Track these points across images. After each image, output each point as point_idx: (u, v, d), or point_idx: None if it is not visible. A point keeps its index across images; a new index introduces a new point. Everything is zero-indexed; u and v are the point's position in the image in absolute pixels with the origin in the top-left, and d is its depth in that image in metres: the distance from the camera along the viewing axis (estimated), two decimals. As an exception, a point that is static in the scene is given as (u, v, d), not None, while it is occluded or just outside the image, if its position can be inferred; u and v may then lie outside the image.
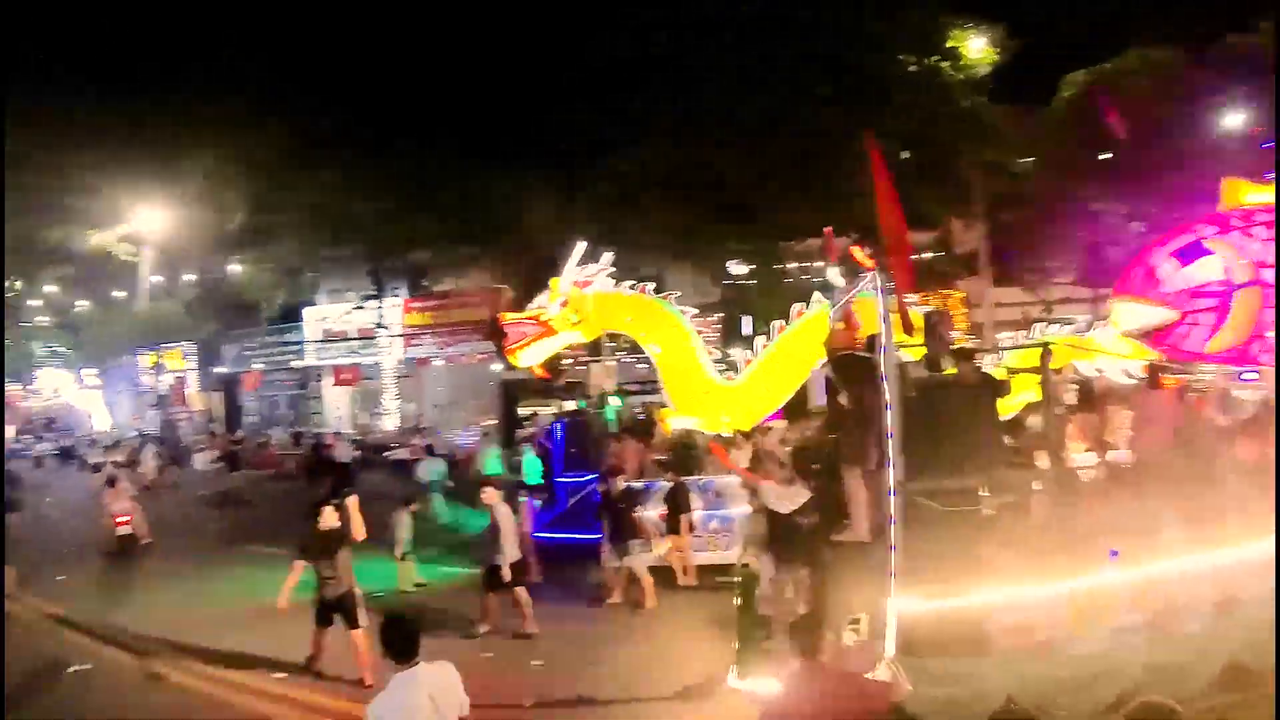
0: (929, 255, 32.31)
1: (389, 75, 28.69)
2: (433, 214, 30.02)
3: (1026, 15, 27.97)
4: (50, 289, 39.47)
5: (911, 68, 28.13)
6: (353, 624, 8.86)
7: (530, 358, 13.14)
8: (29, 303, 41.85)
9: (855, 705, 4.95)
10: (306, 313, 38.88)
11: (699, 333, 13.76)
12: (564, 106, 28.87)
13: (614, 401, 18.03)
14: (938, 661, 6.17)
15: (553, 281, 13.07)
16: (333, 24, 29.43)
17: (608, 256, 13.58)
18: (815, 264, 32.96)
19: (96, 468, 27.52)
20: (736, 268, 33.89)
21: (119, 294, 38.70)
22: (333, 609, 8.99)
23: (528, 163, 29.44)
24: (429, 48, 29.16)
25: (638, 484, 13.10)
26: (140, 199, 31.94)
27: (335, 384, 38.41)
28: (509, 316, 13.55)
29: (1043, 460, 8.75)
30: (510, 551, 10.44)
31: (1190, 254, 8.57)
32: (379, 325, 37.59)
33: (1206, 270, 8.42)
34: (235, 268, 36.39)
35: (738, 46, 27.57)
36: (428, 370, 38.05)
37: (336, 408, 39.36)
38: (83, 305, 40.85)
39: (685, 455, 14.14)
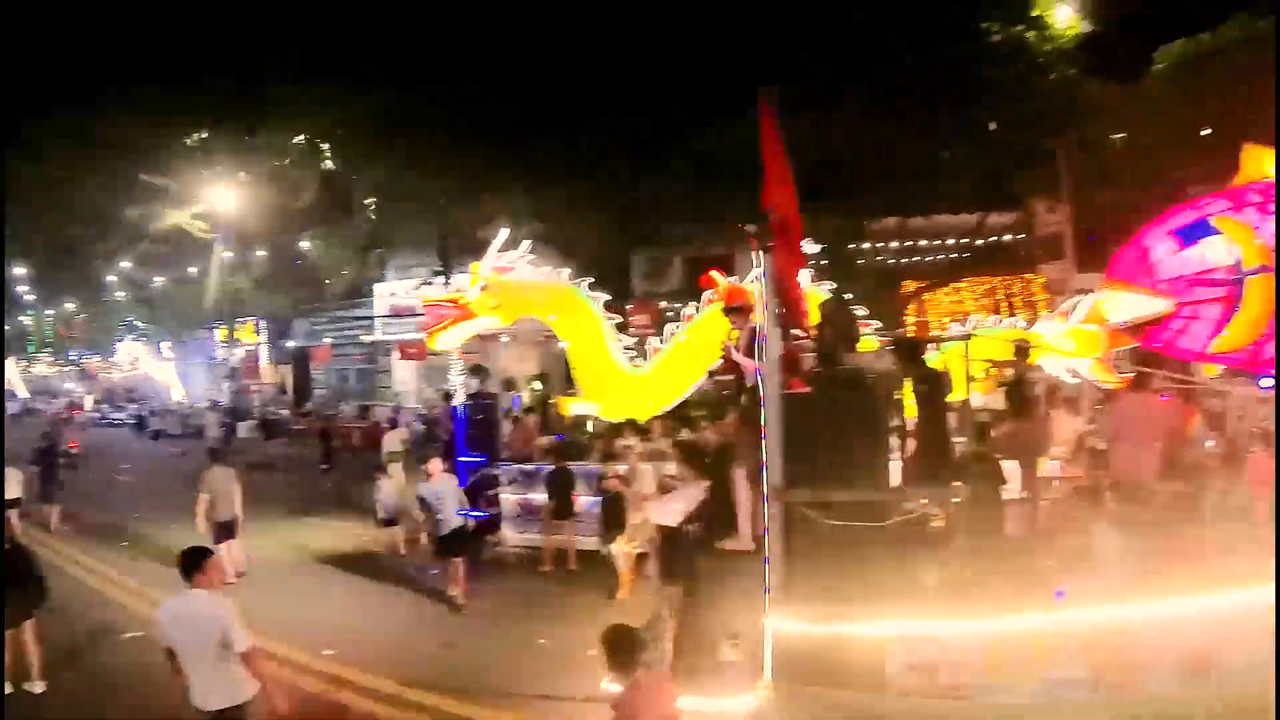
0: (1009, 237, 31.14)
1: (458, 54, 28.20)
2: (501, 191, 29.54)
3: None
4: (127, 265, 40.00)
5: (995, 36, 26.89)
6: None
7: (448, 340, 13.31)
8: (109, 278, 42.70)
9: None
10: (376, 288, 39.01)
11: (609, 319, 14.04)
12: (634, 84, 28.21)
13: (532, 385, 18.66)
14: (838, 693, 5.61)
15: (473, 266, 13.16)
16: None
17: (526, 244, 13.88)
18: (892, 243, 32.17)
19: (156, 435, 28.23)
20: (811, 246, 32.70)
21: (193, 270, 39.08)
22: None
23: (595, 140, 28.86)
24: (496, 25, 28.50)
25: (529, 467, 13.46)
26: (214, 178, 32.00)
27: (402, 358, 38.38)
28: (428, 299, 13.72)
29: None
30: (449, 519, 11.05)
31: (1192, 234, 7.13)
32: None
33: (1211, 253, 7.01)
34: (305, 244, 36.38)
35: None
36: (494, 346, 37.77)
37: (403, 382, 39.35)
38: (160, 281, 41.39)
39: (577, 442, 14.35)
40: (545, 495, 12.72)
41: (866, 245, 32.39)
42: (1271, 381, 10.77)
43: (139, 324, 44.17)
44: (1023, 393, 10.18)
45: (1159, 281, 7.06)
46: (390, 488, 14.03)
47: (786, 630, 5.67)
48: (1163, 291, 7.01)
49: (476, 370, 17.04)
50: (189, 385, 46.66)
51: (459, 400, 16.13)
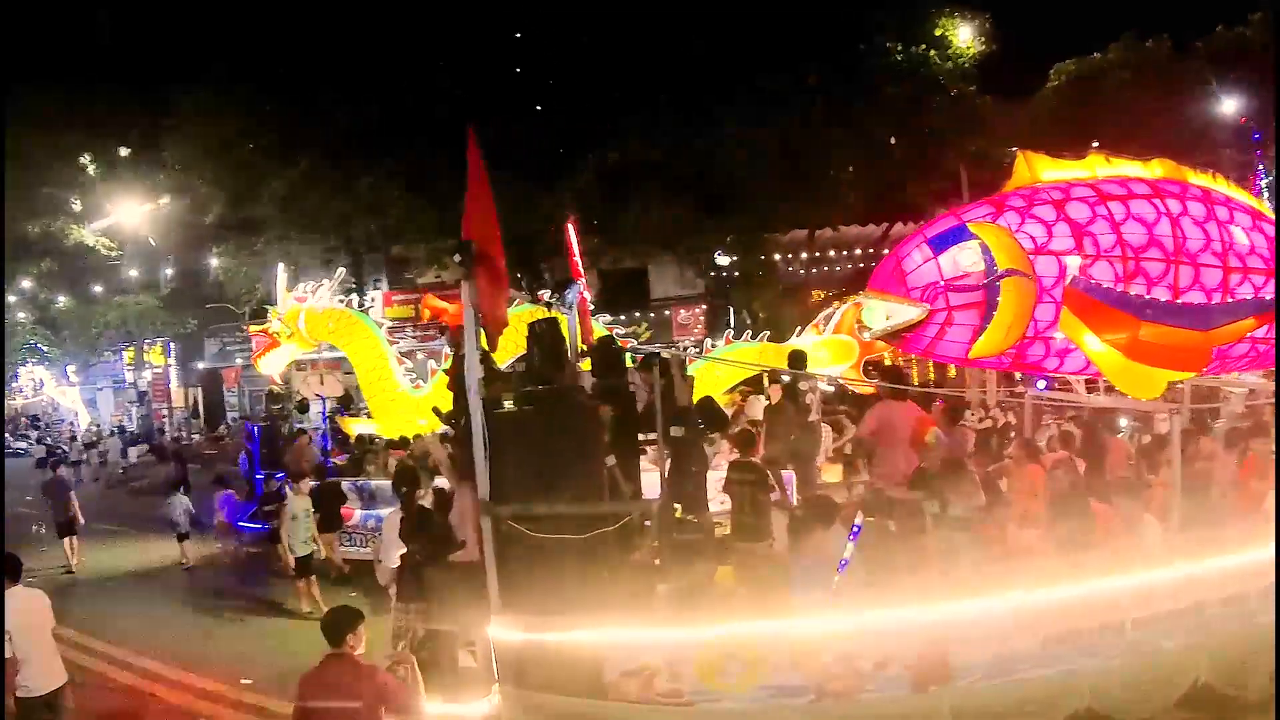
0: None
1: (365, 68, 28.15)
2: (413, 206, 29.50)
3: (1015, 4, 27.98)
4: (27, 285, 38.79)
5: (899, 56, 28.01)
6: None
7: (268, 366, 14.88)
8: (8, 299, 41.33)
9: (368, 695, 5.30)
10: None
11: (392, 343, 15.69)
12: (548, 101, 28.59)
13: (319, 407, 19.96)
14: (560, 700, 5.87)
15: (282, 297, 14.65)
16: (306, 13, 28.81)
17: (340, 272, 16.20)
18: (801, 254, 32.99)
19: (75, 464, 27.84)
20: (721, 259, 33.53)
21: (99, 290, 38.07)
22: None
23: (512, 155, 29.02)
24: (411, 36, 28.63)
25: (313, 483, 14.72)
26: (119, 193, 31.46)
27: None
28: (254, 328, 15.34)
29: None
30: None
31: (946, 240, 7.18)
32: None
33: (963, 259, 7.04)
34: (214, 261, 35.77)
35: (722, 35, 27.37)
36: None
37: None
38: (63, 301, 40.20)
39: (360, 458, 15.37)
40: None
41: (777, 257, 33.24)
42: (1044, 384, 11.50)
43: (42, 347, 42.74)
44: (796, 401, 10.49)
45: (912, 289, 7.12)
46: (179, 505, 15.87)
47: (508, 638, 5.95)
48: (913, 298, 7.08)
49: (271, 395, 19.10)
50: (95, 411, 45.35)
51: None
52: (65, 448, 34.78)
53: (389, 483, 11.67)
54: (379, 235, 33.05)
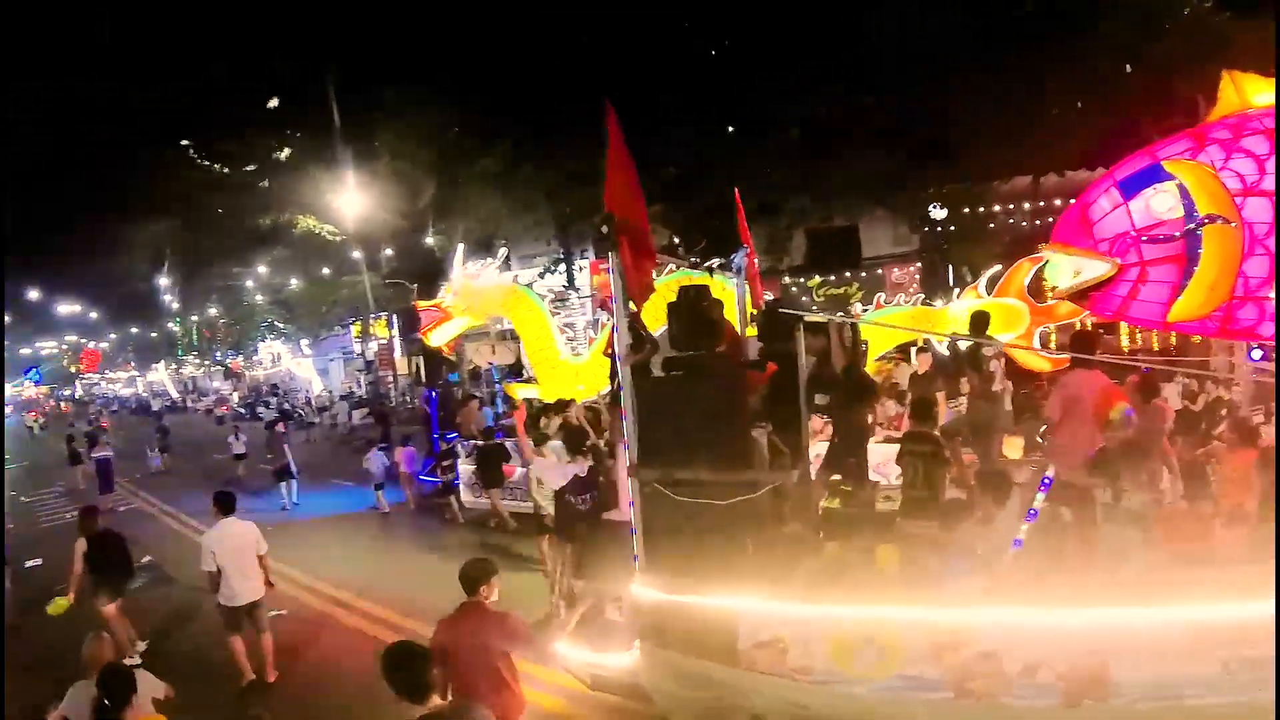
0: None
1: (567, 43, 28.65)
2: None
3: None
4: (263, 270, 42.31)
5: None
6: None
7: (438, 338, 15.72)
8: (248, 284, 45.23)
9: (495, 638, 5.63)
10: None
11: (554, 314, 16.62)
12: (747, 58, 28.14)
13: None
14: (694, 662, 5.98)
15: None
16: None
17: (503, 251, 17.45)
18: (1024, 204, 31.06)
19: (309, 425, 30.45)
20: (937, 213, 32.02)
21: (326, 271, 41.01)
22: None
23: (715, 116, 28.94)
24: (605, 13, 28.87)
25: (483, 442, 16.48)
26: (338, 183, 33.51)
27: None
28: (422, 304, 16.22)
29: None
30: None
31: (1139, 183, 6.02)
32: (568, 287, 38.11)
33: (1156, 204, 5.93)
34: (429, 240, 37.63)
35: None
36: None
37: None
38: (294, 283, 43.62)
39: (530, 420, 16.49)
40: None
41: (997, 208, 31.45)
42: (1260, 353, 9.73)
43: (278, 324, 46.62)
44: (980, 369, 9.87)
45: (1099, 241, 6.08)
46: (377, 460, 18.60)
47: (649, 597, 6.19)
48: (1102, 252, 6.05)
49: (445, 363, 20.09)
50: (328, 379, 49.06)
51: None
52: (302, 411, 38.00)
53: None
54: (580, 208, 33.72)
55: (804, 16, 27.88)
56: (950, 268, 31.96)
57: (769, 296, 13.18)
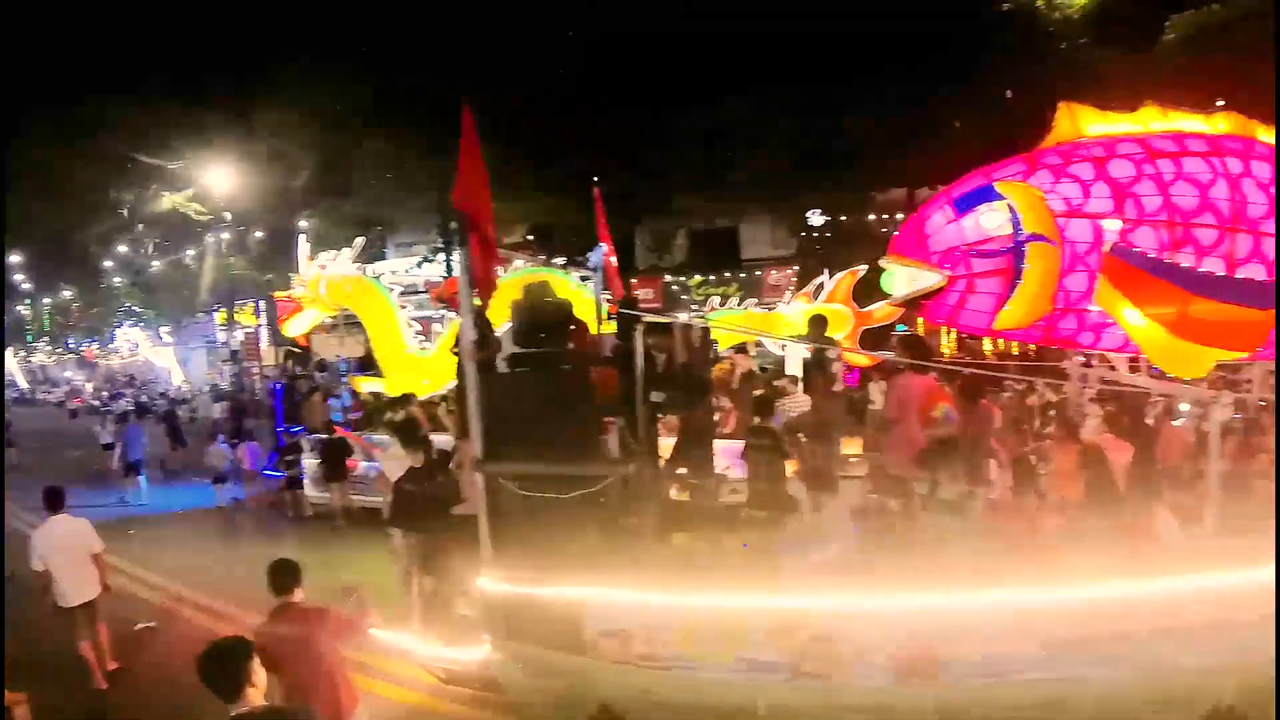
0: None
1: (455, 31, 28.23)
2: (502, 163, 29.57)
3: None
4: (123, 250, 40.57)
5: (1006, 5, 26.79)
6: None
7: (294, 328, 16.14)
8: (105, 264, 43.26)
9: (318, 634, 5.56)
10: (375, 267, 39.10)
11: (402, 307, 16.57)
12: (650, 58, 28.31)
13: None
14: (543, 653, 6.21)
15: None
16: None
17: (359, 241, 16.98)
18: (897, 215, 32.07)
19: (165, 416, 29.66)
20: (816, 219, 33.02)
21: (191, 253, 39.51)
22: None
23: (610, 112, 28.98)
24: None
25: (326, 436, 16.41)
26: (209, 158, 32.33)
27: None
28: (280, 294, 16.68)
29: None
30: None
31: (973, 201, 6.68)
32: (447, 278, 37.64)
33: (986, 222, 6.56)
34: (304, 224, 36.70)
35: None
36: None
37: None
38: (157, 265, 41.93)
39: (371, 414, 16.97)
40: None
41: (871, 217, 32.45)
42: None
43: (137, 309, 44.78)
44: (823, 370, 10.11)
45: (933, 253, 6.64)
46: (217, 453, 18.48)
47: (497, 589, 6.37)
48: (934, 264, 6.61)
49: (290, 355, 20.75)
50: (189, 370, 47.30)
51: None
52: (160, 404, 36.69)
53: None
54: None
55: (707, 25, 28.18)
56: (826, 272, 32.84)
57: (649, 294, 13.46)
